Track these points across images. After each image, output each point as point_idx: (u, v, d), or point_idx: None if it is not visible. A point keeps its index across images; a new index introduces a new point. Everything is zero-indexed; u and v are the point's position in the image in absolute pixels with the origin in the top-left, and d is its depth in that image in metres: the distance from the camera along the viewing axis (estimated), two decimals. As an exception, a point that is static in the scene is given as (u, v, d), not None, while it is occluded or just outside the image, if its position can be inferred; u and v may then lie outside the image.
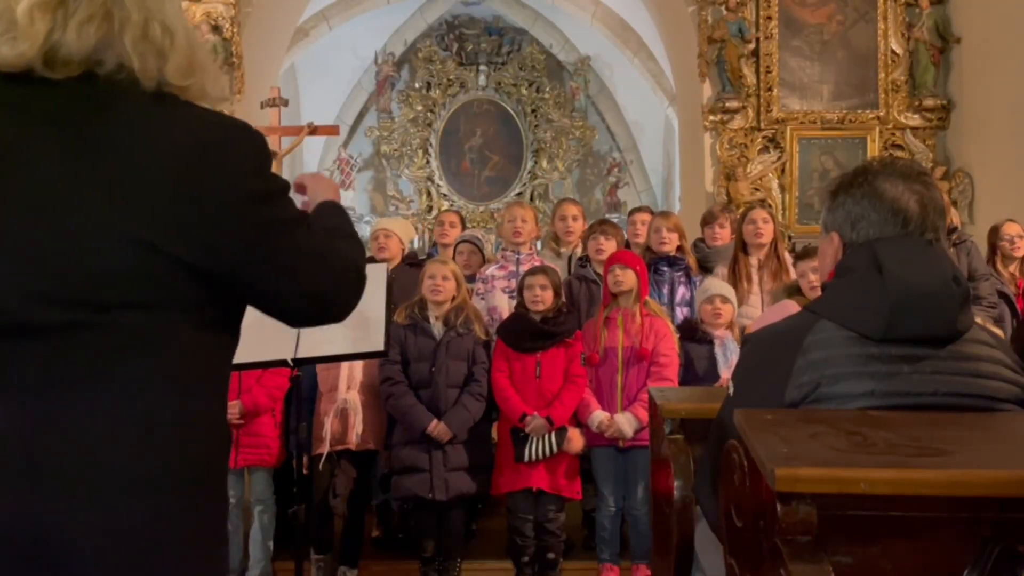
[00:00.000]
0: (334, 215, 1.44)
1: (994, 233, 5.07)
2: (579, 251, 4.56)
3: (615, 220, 6.34)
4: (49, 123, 1.08)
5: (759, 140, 6.86)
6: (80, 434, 1.06)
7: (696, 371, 3.73)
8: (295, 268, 1.20)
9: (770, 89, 6.81)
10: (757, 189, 6.82)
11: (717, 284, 3.91)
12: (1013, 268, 4.96)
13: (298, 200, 1.40)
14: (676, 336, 3.81)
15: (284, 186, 1.21)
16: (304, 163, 10.96)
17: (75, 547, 1.05)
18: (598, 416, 3.62)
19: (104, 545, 1.06)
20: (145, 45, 1.10)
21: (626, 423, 3.59)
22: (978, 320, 1.62)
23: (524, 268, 4.07)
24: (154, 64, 1.10)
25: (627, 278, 3.71)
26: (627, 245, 4.56)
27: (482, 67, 11.07)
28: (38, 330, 1.06)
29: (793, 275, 4.07)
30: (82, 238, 1.05)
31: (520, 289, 3.79)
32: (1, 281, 1.05)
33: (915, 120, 6.83)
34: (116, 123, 1.08)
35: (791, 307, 2.82)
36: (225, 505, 1.24)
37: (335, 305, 1.29)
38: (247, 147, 1.15)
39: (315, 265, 1.23)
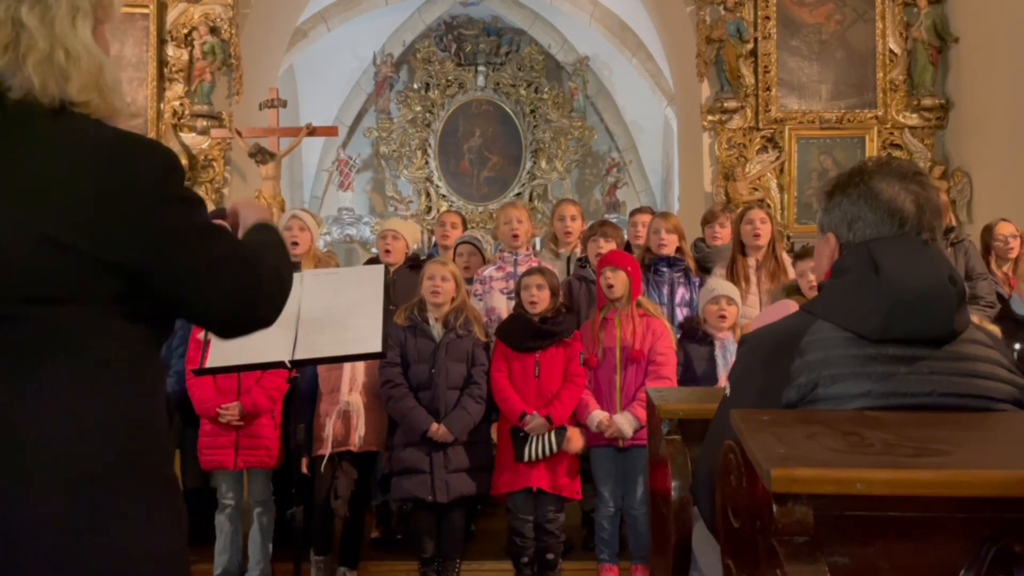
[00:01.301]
0: (262, 231, 1.50)
1: (988, 233, 4.94)
2: (578, 251, 4.56)
3: (614, 220, 6.34)
4: None
5: (758, 140, 6.86)
6: (6, 427, 1.12)
7: (695, 372, 3.73)
8: (207, 272, 1.26)
9: (768, 89, 6.81)
10: (756, 189, 6.81)
11: (723, 285, 3.88)
12: (1007, 268, 4.84)
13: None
14: (675, 335, 3.81)
15: (195, 198, 1.29)
16: (304, 164, 10.96)
17: (5, 537, 1.10)
18: (597, 416, 3.62)
19: (31, 535, 1.11)
20: (46, 67, 1.19)
21: (626, 423, 3.59)
22: (975, 319, 1.62)
23: (522, 269, 4.07)
24: (54, 84, 1.20)
25: (618, 280, 3.71)
26: (627, 246, 4.56)
27: (480, 68, 11.06)
28: None
29: (791, 275, 4.07)
30: None
31: (517, 290, 3.79)
32: None
33: (913, 120, 6.82)
34: (23, 137, 1.17)
35: (790, 306, 2.80)
36: (170, 495, 1.26)
37: (253, 310, 1.34)
38: (151, 157, 1.24)
39: (229, 270, 1.28)
